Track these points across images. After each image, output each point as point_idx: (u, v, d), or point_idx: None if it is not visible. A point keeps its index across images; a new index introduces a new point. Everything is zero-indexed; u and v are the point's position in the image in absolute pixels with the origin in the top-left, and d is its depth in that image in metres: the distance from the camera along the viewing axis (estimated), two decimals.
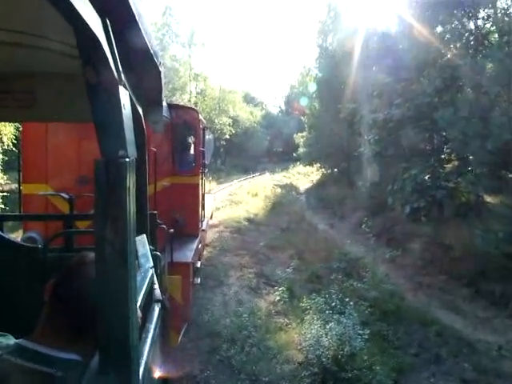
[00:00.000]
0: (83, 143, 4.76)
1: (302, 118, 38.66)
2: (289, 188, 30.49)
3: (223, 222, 14.78)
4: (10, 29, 1.60)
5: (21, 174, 4.73)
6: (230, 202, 20.57)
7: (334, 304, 6.68)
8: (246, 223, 15.58)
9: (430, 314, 7.78)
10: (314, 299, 7.09)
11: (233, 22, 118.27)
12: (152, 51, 1.50)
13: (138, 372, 1.21)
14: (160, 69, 1.78)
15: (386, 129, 9.27)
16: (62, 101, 2.55)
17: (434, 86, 8.16)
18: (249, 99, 54.57)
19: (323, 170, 29.25)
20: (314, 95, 29.14)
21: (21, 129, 5.42)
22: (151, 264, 2.08)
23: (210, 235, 12.15)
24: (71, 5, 0.79)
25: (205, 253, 10.32)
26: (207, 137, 8.62)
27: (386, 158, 9.38)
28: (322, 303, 6.82)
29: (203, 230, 7.74)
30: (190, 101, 40.09)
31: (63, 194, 4.26)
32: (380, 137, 9.41)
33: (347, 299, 6.91)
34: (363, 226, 11.95)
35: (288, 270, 8.85)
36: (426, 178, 7.82)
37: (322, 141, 25.78)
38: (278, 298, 8.00)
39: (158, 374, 1.83)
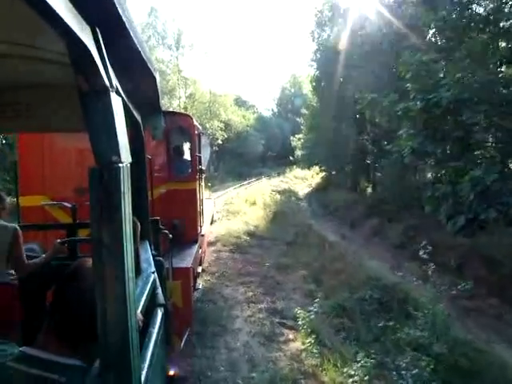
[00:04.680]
0: (80, 153, 4.81)
1: (298, 119, 36.93)
2: (288, 194, 28.58)
3: (221, 238, 12.71)
4: (4, 40, 1.56)
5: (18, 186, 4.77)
6: (226, 212, 18.54)
7: None
8: (247, 238, 13.54)
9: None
10: (358, 361, 5.02)
11: (221, 24, 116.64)
12: (145, 58, 1.49)
13: (139, 375, 1.23)
14: (155, 75, 1.77)
15: (422, 120, 7.30)
16: (60, 111, 2.51)
17: (496, 58, 6.25)
18: (240, 103, 52.67)
19: (326, 172, 27.26)
20: (312, 94, 27.21)
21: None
22: (153, 269, 2.23)
23: (207, 257, 10.12)
24: (60, 17, 0.81)
25: (201, 282, 8.30)
26: (203, 141, 8.45)
27: (425, 156, 7.43)
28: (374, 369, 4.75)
29: (203, 236, 7.61)
30: (179, 106, 38.36)
31: (66, 204, 4.23)
32: (416, 130, 7.45)
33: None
34: (410, 248, 9.90)
35: (312, 308, 6.77)
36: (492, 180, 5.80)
37: (323, 141, 23.83)
38: (301, 347, 5.99)
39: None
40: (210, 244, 11.65)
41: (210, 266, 9.71)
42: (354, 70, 15.01)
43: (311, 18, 25.41)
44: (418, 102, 7.09)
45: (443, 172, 7.26)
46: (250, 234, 14.24)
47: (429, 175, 16.56)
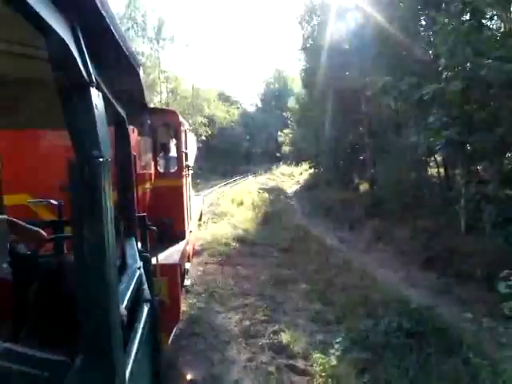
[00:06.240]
0: (64, 150, 3.80)
1: (284, 113, 35.55)
2: (276, 192, 27.14)
3: (207, 246, 11.07)
4: None
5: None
6: (212, 214, 16.90)
7: None
8: (237, 245, 11.93)
9: None
10: None
11: (203, 17, 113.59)
12: (128, 52, 1.47)
13: (124, 370, 1.21)
14: (138, 70, 1.72)
15: (460, 103, 5.81)
16: (44, 107, 2.46)
17: None
18: (224, 98, 50.98)
19: (315, 169, 25.81)
20: (301, 86, 25.65)
21: None
22: (139, 265, 2.18)
23: (192, 271, 8.50)
24: (37, 13, 0.79)
25: (184, 308, 6.70)
26: (190, 137, 8.32)
27: (464, 147, 5.97)
28: None
29: (190, 232, 7.63)
30: (160, 101, 36.68)
31: (52, 201, 4.20)
32: (450, 117, 5.99)
33: None
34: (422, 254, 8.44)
35: (332, 351, 5.22)
36: None
37: (312, 136, 22.34)
38: None
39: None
40: (195, 254, 10.03)
41: (196, 285, 8.07)
42: (355, 56, 13.47)
43: (300, 3, 23.84)
44: (458, 82, 5.60)
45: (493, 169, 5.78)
46: (240, 239, 12.66)
47: (431, 172, 15.28)
